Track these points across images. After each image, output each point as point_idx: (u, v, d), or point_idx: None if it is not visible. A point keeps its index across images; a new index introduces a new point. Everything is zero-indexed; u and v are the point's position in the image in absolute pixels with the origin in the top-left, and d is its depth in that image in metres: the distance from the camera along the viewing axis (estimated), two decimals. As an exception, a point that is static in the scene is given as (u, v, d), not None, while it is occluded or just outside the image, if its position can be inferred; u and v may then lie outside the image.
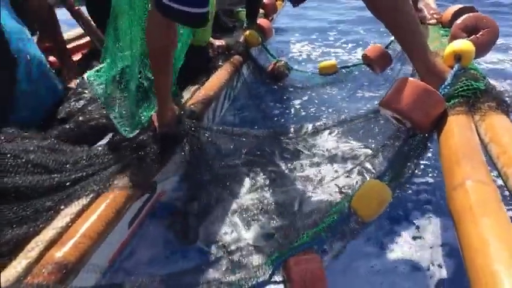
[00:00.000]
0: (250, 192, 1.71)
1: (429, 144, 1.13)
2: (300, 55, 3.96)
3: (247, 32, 2.50)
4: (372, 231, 1.60)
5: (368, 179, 1.54)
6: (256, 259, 1.11)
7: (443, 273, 1.46)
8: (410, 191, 1.84)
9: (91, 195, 1.15)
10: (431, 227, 1.66)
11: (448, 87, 1.17)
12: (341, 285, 1.40)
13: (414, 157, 1.14)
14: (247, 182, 1.76)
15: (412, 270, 1.47)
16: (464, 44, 1.29)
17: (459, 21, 1.53)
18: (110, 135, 1.51)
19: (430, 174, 1.95)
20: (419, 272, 1.47)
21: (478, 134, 1.05)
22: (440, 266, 1.48)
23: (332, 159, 1.82)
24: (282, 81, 2.66)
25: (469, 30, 1.51)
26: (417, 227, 1.67)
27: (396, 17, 1.15)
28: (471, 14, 1.55)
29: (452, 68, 1.25)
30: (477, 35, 1.48)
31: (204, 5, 1.11)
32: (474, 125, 1.09)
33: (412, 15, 1.16)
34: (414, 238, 1.61)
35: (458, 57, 1.26)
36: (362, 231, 1.09)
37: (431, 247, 1.56)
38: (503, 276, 0.60)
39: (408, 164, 1.13)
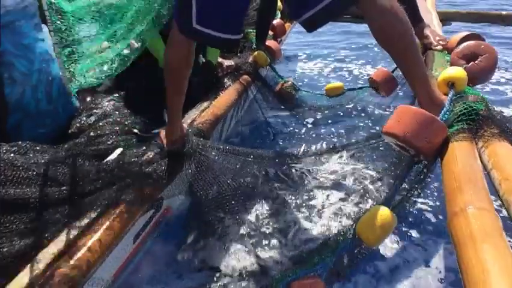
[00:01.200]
0: (255, 212, 1.72)
1: (431, 175, 1.14)
2: (309, 74, 4.00)
3: (256, 52, 2.55)
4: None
5: (372, 203, 1.54)
6: (259, 281, 1.10)
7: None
8: (417, 212, 1.84)
9: (98, 210, 1.17)
10: (438, 249, 1.65)
11: (448, 113, 1.19)
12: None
13: (419, 183, 1.15)
14: (252, 201, 1.77)
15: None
16: (455, 71, 1.33)
17: (458, 49, 1.58)
18: (119, 150, 1.54)
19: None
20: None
21: (481, 161, 1.06)
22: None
23: (336, 181, 1.82)
24: (289, 101, 2.70)
25: (468, 58, 1.54)
26: (425, 249, 1.66)
27: (400, 47, 1.18)
28: (471, 41, 1.58)
29: (447, 95, 1.28)
30: (475, 62, 1.52)
31: (238, 32, 1.16)
32: (477, 151, 1.10)
33: (415, 45, 1.19)
34: (423, 260, 1.60)
35: (451, 83, 1.29)
36: (366, 257, 1.10)
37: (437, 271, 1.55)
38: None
39: (413, 189, 1.14)
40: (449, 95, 1.25)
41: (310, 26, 1.19)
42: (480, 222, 0.78)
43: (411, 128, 1.07)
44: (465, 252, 0.74)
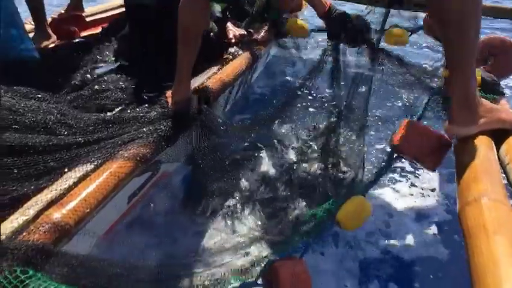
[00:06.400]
0: (244, 189, 1.70)
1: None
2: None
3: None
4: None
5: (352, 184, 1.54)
6: (242, 262, 1.08)
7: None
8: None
9: (95, 162, 1.13)
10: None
11: None
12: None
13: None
14: (242, 175, 1.75)
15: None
16: None
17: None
18: (121, 107, 1.49)
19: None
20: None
21: (498, 155, 1.03)
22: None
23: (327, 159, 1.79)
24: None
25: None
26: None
27: (457, 31, 1.00)
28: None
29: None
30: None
31: None
32: (494, 146, 1.07)
33: (477, 33, 1.03)
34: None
35: None
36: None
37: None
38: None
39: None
40: None
41: None
42: (494, 213, 0.75)
43: (420, 149, 1.04)
44: (476, 243, 0.70)
